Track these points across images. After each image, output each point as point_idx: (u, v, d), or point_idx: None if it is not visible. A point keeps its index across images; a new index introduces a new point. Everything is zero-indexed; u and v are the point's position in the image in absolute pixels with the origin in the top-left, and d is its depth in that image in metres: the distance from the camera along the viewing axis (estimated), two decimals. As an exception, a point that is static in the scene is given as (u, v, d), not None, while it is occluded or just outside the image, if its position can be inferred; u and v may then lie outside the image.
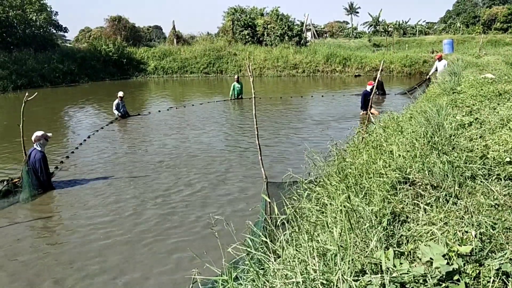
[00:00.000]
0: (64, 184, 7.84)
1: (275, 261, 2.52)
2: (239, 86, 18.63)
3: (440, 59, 17.85)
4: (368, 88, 12.48)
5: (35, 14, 30.61)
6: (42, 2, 31.99)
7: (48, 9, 32.87)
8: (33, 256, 5.21)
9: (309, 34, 46.14)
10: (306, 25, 42.36)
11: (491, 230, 2.40)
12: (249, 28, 35.81)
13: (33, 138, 7.44)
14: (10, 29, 30.06)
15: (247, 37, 35.63)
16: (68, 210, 6.68)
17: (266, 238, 2.79)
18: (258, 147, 5.49)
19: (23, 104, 7.31)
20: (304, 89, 23.44)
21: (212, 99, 18.89)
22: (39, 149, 7.46)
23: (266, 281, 2.33)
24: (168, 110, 16.52)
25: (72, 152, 10.08)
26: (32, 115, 14.45)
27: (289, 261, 2.46)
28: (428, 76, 19.05)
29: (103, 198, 7.07)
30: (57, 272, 4.82)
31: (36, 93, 8.09)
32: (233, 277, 2.41)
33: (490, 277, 1.98)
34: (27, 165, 7.31)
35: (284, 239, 2.78)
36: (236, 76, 19.26)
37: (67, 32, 38.93)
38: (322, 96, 19.29)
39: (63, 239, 5.67)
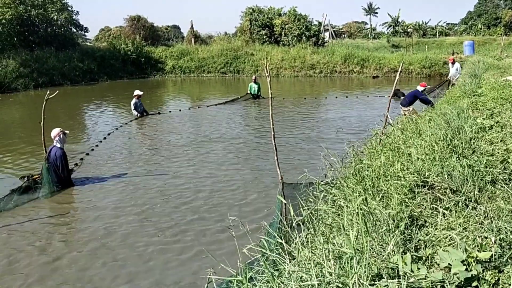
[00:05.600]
0: (83, 181, 7.96)
1: (290, 262, 2.51)
2: (256, 86, 18.61)
3: (453, 62, 17.56)
4: (420, 88, 12.23)
5: (56, 14, 31.08)
6: (63, 1, 32.47)
7: (69, 9, 33.34)
8: (48, 250, 5.30)
9: (327, 34, 45.90)
10: (324, 25, 42.14)
11: (511, 236, 2.35)
12: (267, 28, 35.82)
13: (51, 135, 7.56)
14: (32, 28, 30.62)
15: (264, 37, 35.64)
16: (86, 207, 6.78)
17: (282, 239, 2.79)
18: (274, 147, 5.49)
19: (45, 102, 7.44)
20: (323, 90, 23.33)
21: (230, 98, 18.87)
22: (59, 146, 7.57)
23: (281, 283, 2.33)
24: (189, 109, 16.62)
25: (92, 150, 10.21)
26: (52, 113, 14.69)
27: (304, 263, 2.45)
28: (447, 79, 18.77)
29: (121, 196, 7.15)
30: (70, 269, 4.90)
31: (58, 91, 8.22)
32: (247, 277, 2.41)
33: (510, 284, 1.94)
34: (47, 162, 7.44)
35: (300, 241, 2.77)
36: (253, 77, 19.26)
37: (87, 32, 39.46)
38: (347, 97, 19.17)
39: (80, 235, 5.75)
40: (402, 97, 13.56)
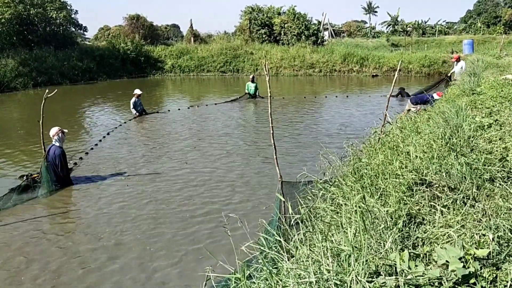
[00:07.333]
0: (82, 180, 7.96)
1: (288, 260, 2.52)
2: (253, 86, 18.58)
3: (457, 60, 17.41)
4: (436, 97, 11.73)
5: (55, 12, 31.07)
6: (62, 0, 32.50)
7: (68, 8, 33.35)
8: (48, 248, 5.30)
9: (326, 33, 45.88)
10: (323, 24, 42.13)
11: (509, 234, 2.35)
12: (266, 27, 35.82)
13: (50, 134, 7.56)
14: (31, 27, 30.61)
15: (264, 36, 35.64)
16: (85, 206, 6.78)
17: (280, 237, 2.79)
18: (273, 146, 5.49)
19: (43, 101, 7.43)
20: (322, 89, 23.34)
21: (229, 97, 18.86)
22: (58, 144, 7.57)
23: (279, 280, 2.33)
24: (188, 108, 16.60)
25: (91, 149, 10.21)
26: (51, 112, 14.66)
27: (303, 260, 2.45)
28: (448, 75, 18.70)
29: (120, 194, 7.15)
30: (68, 269, 4.90)
31: (56, 90, 8.20)
32: (246, 275, 2.42)
33: (507, 281, 1.94)
34: (46, 161, 7.43)
35: (298, 239, 2.78)
36: (251, 76, 19.23)
37: (86, 31, 39.49)
38: (347, 96, 19.19)
39: (79, 235, 5.75)
40: (413, 96, 13.66)
